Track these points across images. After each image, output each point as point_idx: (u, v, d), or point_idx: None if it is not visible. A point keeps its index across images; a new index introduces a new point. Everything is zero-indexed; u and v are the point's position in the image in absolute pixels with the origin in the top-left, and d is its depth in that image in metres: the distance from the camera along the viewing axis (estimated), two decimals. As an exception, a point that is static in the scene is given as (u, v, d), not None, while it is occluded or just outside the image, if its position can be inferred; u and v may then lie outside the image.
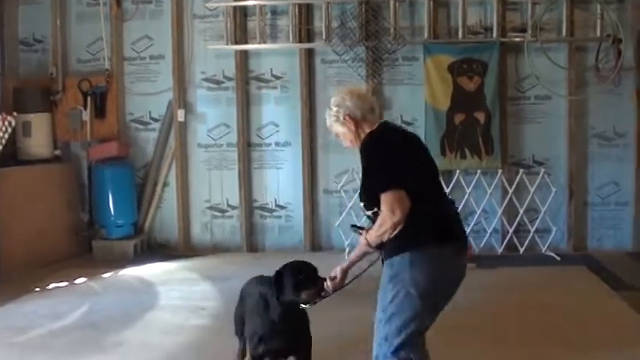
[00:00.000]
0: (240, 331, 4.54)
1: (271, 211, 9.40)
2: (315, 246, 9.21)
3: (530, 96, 9.09)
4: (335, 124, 3.69)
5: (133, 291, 7.23)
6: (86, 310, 6.53)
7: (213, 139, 9.44)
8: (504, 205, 8.68)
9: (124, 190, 9.14)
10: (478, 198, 8.92)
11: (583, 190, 8.81)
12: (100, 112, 9.13)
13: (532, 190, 8.58)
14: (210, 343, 5.70)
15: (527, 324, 6.10)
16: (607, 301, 6.77)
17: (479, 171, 8.81)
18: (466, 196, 8.56)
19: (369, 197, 3.48)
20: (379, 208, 3.37)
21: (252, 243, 9.34)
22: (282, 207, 9.40)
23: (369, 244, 3.53)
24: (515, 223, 8.76)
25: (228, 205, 9.51)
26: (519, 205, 8.61)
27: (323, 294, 3.80)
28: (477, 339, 5.60)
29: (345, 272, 3.74)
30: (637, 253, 8.81)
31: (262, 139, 9.36)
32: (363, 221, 4.41)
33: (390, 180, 3.37)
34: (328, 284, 3.75)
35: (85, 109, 9.37)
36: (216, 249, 9.47)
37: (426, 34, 9.04)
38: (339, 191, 9.01)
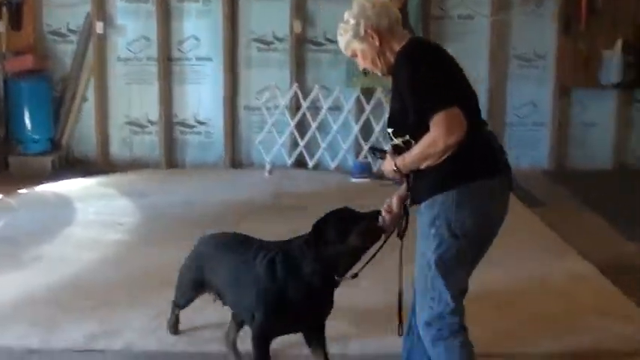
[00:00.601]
0: (185, 299, 4.08)
1: (191, 127, 9.76)
2: (236, 163, 9.73)
3: (453, 15, 9.62)
4: (352, 42, 3.13)
5: (50, 207, 7.51)
6: (2, 226, 6.78)
7: (132, 52, 9.71)
8: None
9: (41, 105, 9.26)
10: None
11: (502, 110, 9.04)
12: (15, 23, 9.10)
13: None
14: (127, 257, 5.88)
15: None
16: (522, 217, 7.01)
17: None
18: (386, 115, 8.51)
19: (404, 121, 2.98)
20: (416, 135, 2.95)
21: (171, 159, 9.78)
22: (202, 123, 9.80)
23: (397, 171, 3.04)
24: None
25: (148, 121, 9.82)
26: None
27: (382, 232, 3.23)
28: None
29: (402, 201, 3.19)
30: (552, 171, 9.50)
31: (183, 53, 9.68)
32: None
33: (445, 97, 2.88)
34: (385, 217, 3.22)
35: (0, 19, 8.70)
36: (135, 165, 9.76)
37: None
38: (261, 108, 9.27)
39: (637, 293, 4.94)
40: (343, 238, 3.20)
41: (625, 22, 9.46)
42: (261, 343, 3.40)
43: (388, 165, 3.08)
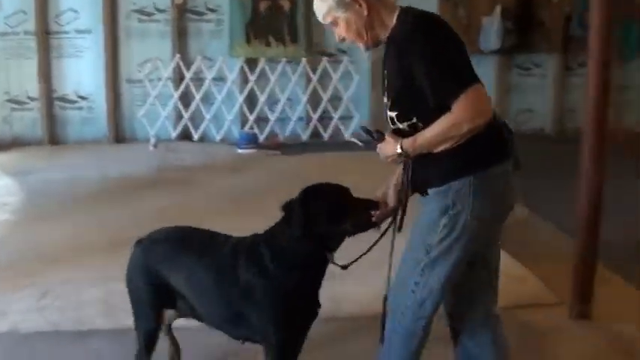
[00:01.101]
0: (152, 321, 3.24)
1: (72, 102, 10.03)
2: (119, 137, 10.07)
3: None
4: (335, 9, 2.76)
5: None
6: None
7: (10, 26, 9.82)
8: (308, 93, 9.07)
9: None
10: (283, 86, 9.96)
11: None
12: None
13: (336, 78, 8.87)
14: (13, 237, 5.88)
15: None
16: None
17: (283, 59, 9.57)
18: (271, 85, 9.08)
19: (411, 103, 2.70)
20: (427, 118, 2.66)
21: (53, 136, 10.02)
22: (83, 98, 10.07)
23: (402, 154, 2.74)
24: (320, 111, 9.41)
25: (28, 97, 9.98)
26: (323, 93, 8.93)
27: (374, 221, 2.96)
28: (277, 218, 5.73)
29: (396, 188, 2.94)
30: None
31: (61, 26, 9.86)
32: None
33: (470, 74, 2.61)
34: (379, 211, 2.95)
35: None
36: (16, 142, 9.88)
37: None
38: (143, 80, 9.39)
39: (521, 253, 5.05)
40: (336, 223, 2.92)
41: None
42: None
43: (390, 148, 2.77)
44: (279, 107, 9.78)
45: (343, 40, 2.86)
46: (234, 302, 2.97)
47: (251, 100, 9.70)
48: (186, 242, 3.20)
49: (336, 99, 9.89)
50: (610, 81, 4.15)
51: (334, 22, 2.81)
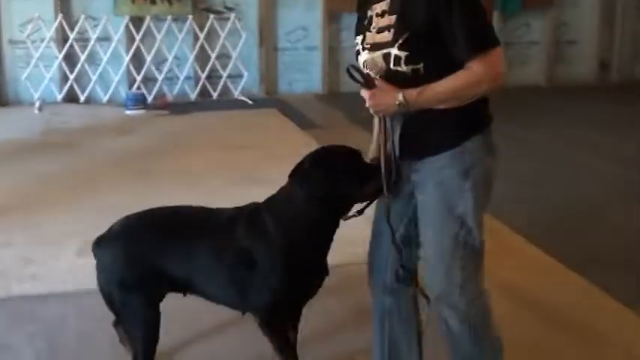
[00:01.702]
0: (152, 321, 2.91)
1: None
2: (3, 101, 9.80)
3: None
4: None
5: None
6: None
7: None
8: (196, 51, 9.27)
9: None
10: (170, 45, 9.90)
11: (273, 36, 9.34)
12: None
13: (223, 35, 8.98)
14: None
15: (220, 164, 6.82)
16: (295, 137, 7.43)
17: (169, 17, 9.76)
18: (157, 43, 9.38)
19: (426, 46, 2.50)
20: (432, 66, 2.51)
21: None
22: None
23: (401, 105, 2.51)
24: (208, 69, 9.95)
25: None
26: (211, 51, 9.13)
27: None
28: (184, 186, 5.77)
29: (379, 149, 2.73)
30: (324, 95, 10.07)
31: None
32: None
33: (494, 32, 2.51)
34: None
35: None
36: None
37: None
38: (25, 41, 8.92)
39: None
40: (352, 187, 2.71)
41: None
42: (279, 326, 2.87)
43: (388, 97, 2.52)
44: (166, 66, 9.72)
45: None
46: (238, 274, 2.81)
47: (138, 60, 9.61)
48: (174, 223, 2.96)
49: (224, 57, 9.90)
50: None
51: None
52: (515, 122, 8.07)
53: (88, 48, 9.48)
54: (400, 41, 2.49)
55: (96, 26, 9.46)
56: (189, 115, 9.01)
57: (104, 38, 9.54)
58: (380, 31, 2.59)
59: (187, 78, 9.90)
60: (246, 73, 9.88)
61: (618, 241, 5.02)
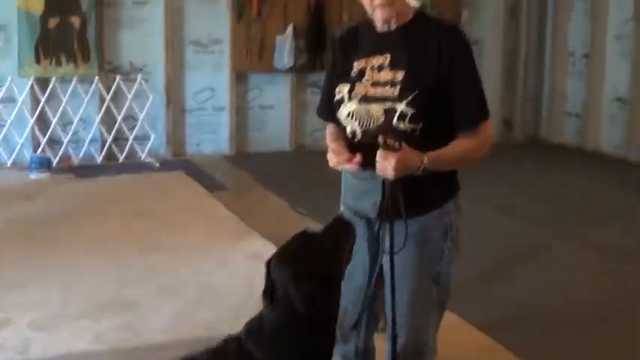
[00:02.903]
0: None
1: None
2: None
3: (126, 1, 10.20)
4: None
5: None
6: None
7: None
8: (102, 113, 9.45)
9: None
10: (75, 107, 9.94)
11: (180, 97, 9.68)
12: None
13: (130, 97, 9.13)
14: None
15: (126, 230, 6.84)
16: (202, 201, 7.58)
17: (75, 78, 9.80)
18: (62, 105, 9.51)
19: (431, 106, 2.68)
20: (430, 128, 2.68)
21: None
22: None
23: (426, 167, 2.62)
24: (114, 132, 9.97)
25: None
26: (117, 113, 9.47)
27: None
28: (86, 255, 5.81)
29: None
30: (233, 156, 10.74)
31: None
32: None
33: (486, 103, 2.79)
34: None
35: None
36: None
37: None
38: None
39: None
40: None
41: (296, 8, 10.51)
42: None
43: (415, 159, 2.61)
44: (71, 129, 9.69)
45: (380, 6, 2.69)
46: None
47: (43, 122, 9.61)
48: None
49: (130, 119, 9.99)
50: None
51: None
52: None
53: (-8, 109, 9.44)
54: (409, 98, 2.64)
55: (0, 87, 9.41)
56: (95, 179, 9.04)
57: (8, 100, 9.53)
58: (377, 84, 2.74)
59: (93, 140, 9.93)
60: (153, 135, 9.99)
61: (520, 298, 5.27)
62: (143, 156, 10.02)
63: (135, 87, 9.91)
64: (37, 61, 9.58)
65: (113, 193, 8.41)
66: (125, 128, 9.97)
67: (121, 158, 9.98)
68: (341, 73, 2.87)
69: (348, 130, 2.82)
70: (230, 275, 5.55)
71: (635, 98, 10.45)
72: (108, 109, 9.90)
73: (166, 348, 4.16)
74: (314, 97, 10.90)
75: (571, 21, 11.66)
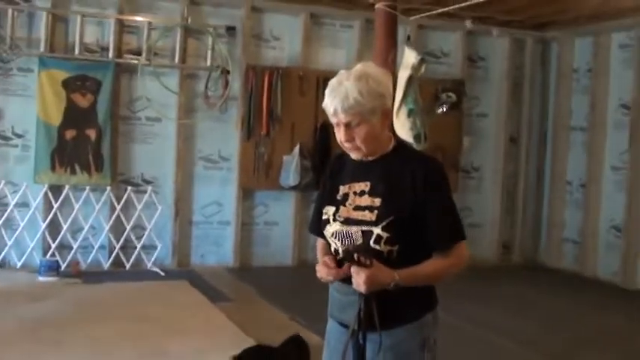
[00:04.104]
0: None
1: None
2: None
3: (141, 117, 10.77)
4: (368, 114, 2.89)
5: None
6: None
7: None
8: (112, 221, 10.14)
9: None
10: (87, 214, 10.38)
11: (188, 209, 10.18)
12: None
13: (139, 207, 9.53)
14: None
15: (128, 335, 7.03)
16: (204, 311, 7.67)
17: (88, 187, 10.30)
18: (74, 212, 9.82)
19: (407, 231, 2.93)
20: (407, 250, 2.94)
21: None
22: None
23: (398, 283, 2.85)
24: (122, 240, 10.53)
25: None
26: (126, 222, 9.98)
27: None
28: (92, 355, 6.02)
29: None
30: (236, 268, 10.95)
31: None
32: None
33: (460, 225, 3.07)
34: None
35: None
36: None
37: (42, 47, 10.15)
38: None
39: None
40: None
41: (303, 129, 10.99)
42: None
43: (385, 275, 2.84)
44: (81, 235, 10.12)
45: (348, 141, 2.94)
46: None
47: (54, 227, 10.03)
48: None
49: (139, 228, 10.42)
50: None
51: (358, 123, 2.89)
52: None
53: (6, 213, 9.87)
54: (384, 223, 2.89)
55: (15, 192, 9.88)
56: (102, 285, 9.34)
57: (22, 204, 9.96)
58: (358, 208, 2.98)
59: (101, 247, 10.32)
60: (159, 245, 10.38)
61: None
62: (149, 264, 10.38)
63: (145, 198, 10.37)
64: (53, 169, 10.06)
65: (118, 298, 8.70)
66: (133, 237, 10.37)
67: (128, 266, 10.33)
68: (329, 196, 3.14)
69: (332, 247, 3.08)
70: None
71: (629, 227, 10.86)
72: (117, 217, 10.34)
73: None
74: (317, 215, 11.28)
75: (569, 151, 12.22)
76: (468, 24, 11.37)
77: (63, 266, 9.79)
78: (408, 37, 4.75)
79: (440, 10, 7.77)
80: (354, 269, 2.82)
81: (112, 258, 10.32)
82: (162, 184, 10.61)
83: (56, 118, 10.08)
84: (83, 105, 10.20)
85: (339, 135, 2.98)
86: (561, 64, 12.32)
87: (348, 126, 2.90)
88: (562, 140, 12.29)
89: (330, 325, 3.20)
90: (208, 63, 10.65)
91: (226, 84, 10.65)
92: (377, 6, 4.75)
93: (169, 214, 10.60)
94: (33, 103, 10.03)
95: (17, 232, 9.92)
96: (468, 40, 11.97)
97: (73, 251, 10.07)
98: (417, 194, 2.91)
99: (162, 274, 10.12)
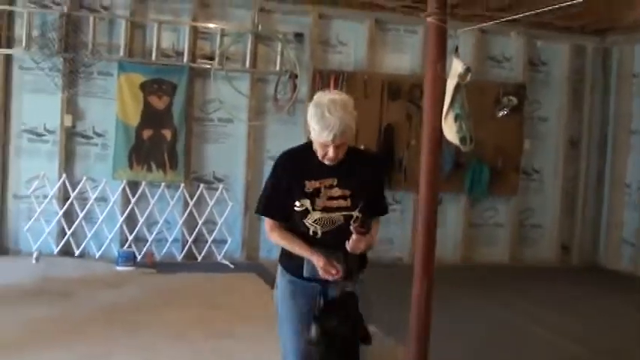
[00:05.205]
0: None
1: None
2: (3, 249, 10.66)
3: (214, 118, 11.29)
4: (348, 131, 3.81)
5: None
6: None
7: None
8: (185, 216, 10.82)
9: None
10: (161, 209, 10.97)
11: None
12: None
13: (211, 203, 10.23)
14: None
15: (198, 319, 7.58)
16: (268, 300, 8.05)
17: (163, 184, 10.80)
18: (150, 207, 10.82)
19: (367, 205, 3.99)
20: (365, 215, 3.97)
21: None
22: None
23: (369, 247, 3.99)
24: (195, 234, 11.04)
25: None
26: (199, 217, 10.54)
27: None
28: (165, 337, 6.84)
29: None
30: None
31: None
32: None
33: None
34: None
35: None
36: None
37: (121, 52, 10.74)
38: (30, 197, 10.33)
39: None
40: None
41: (368, 131, 11.25)
42: None
43: (372, 241, 3.99)
44: (156, 228, 10.77)
45: (334, 157, 3.83)
46: None
47: (131, 221, 10.69)
48: None
49: (210, 223, 10.98)
50: (435, 219, 5.25)
51: (343, 142, 3.80)
52: (477, 296, 8.96)
53: (87, 207, 10.51)
54: (359, 207, 3.93)
55: (95, 187, 10.55)
56: (175, 275, 9.91)
57: (102, 199, 10.61)
58: (331, 199, 3.92)
59: (175, 240, 10.92)
60: (230, 239, 10.93)
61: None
62: (219, 257, 10.92)
63: (216, 195, 10.93)
64: (130, 166, 10.67)
65: (190, 287, 9.28)
66: (205, 231, 10.94)
67: (199, 258, 10.90)
68: (297, 190, 3.94)
69: (311, 230, 3.94)
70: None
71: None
72: (190, 213, 10.91)
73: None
74: (380, 213, 11.63)
75: (629, 154, 12.40)
76: (514, 35, 11.74)
77: (139, 257, 10.37)
78: (456, 49, 5.11)
79: (498, 21, 8.08)
80: (355, 237, 3.84)
81: (184, 251, 10.88)
82: (233, 181, 11.13)
83: (134, 119, 10.67)
84: (159, 107, 10.80)
85: (329, 152, 3.83)
86: (621, 69, 12.54)
87: (337, 146, 3.79)
88: (622, 143, 12.48)
89: (293, 284, 4.17)
90: (277, 67, 11.11)
91: (294, 87, 11.11)
92: (428, 20, 5.12)
93: (239, 210, 11.09)
94: (112, 104, 10.63)
95: (97, 225, 10.54)
96: (529, 45, 12.24)
97: (148, 243, 10.66)
98: (373, 183, 4.06)
99: (232, 266, 10.61)
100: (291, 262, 4.15)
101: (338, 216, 3.90)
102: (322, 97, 3.89)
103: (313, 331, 3.78)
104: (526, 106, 12.20)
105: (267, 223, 4.21)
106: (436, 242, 5.22)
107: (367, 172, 4.01)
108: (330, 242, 3.90)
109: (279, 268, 4.35)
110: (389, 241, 11.69)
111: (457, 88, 5.02)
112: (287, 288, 4.20)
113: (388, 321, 6.82)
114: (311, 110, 3.89)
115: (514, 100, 11.93)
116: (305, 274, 3.99)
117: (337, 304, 3.86)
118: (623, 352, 7.56)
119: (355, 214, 3.90)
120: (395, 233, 11.74)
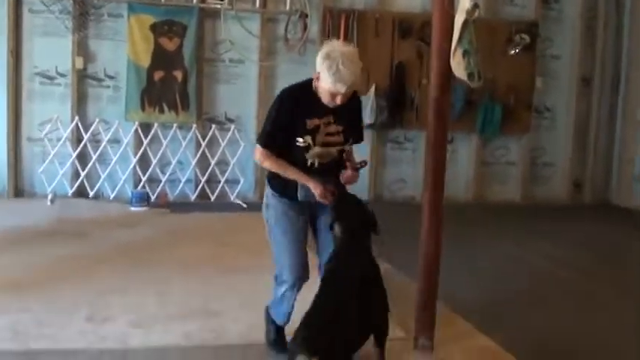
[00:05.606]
0: None
1: None
2: (19, 192, 10.82)
3: (225, 59, 11.31)
4: (357, 82, 4.22)
5: None
6: None
7: None
8: (197, 157, 10.92)
9: None
10: (174, 150, 11.06)
11: None
12: None
13: (223, 144, 10.31)
14: None
15: (211, 255, 7.79)
16: None
17: (175, 125, 10.90)
18: (163, 148, 10.94)
19: (352, 140, 4.53)
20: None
21: None
22: None
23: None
24: (207, 174, 11.11)
25: None
26: (211, 158, 10.67)
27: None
28: (178, 272, 6.99)
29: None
30: None
31: None
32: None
33: None
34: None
35: None
36: None
37: None
38: (43, 139, 10.22)
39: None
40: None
41: (379, 70, 11.35)
42: None
43: (356, 173, 4.49)
44: (169, 169, 10.85)
45: (342, 103, 4.21)
46: None
47: (144, 162, 10.79)
48: None
49: (223, 163, 11.05)
50: (444, 157, 5.27)
51: (348, 92, 4.17)
52: (489, 233, 9.05)
53: (100, 149, 10.62)
54: (350, 142, 4.49)
55: (108, 129, 10.62)
56: (188, 215, 10.02)
57: (115, 141, 10.70)
58: (329, 135, 4.34)
59: (188, 181, 11.01)
60: (242, 180, 11.00)
61: (564, 335, 5.86)
62: (232, 197, 11.03)
63: (228, 135, 11.01)
64: (142, 108, 10.73)
65: (203, 226, 9.40)
66: (217, 172, 11.00)
67: (212, 198, 11.00)
68: (300, 127, 4.29)
69: (310, 162, 4.33)
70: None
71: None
72: (203, 153, 10.98)
73: (243, 349, 5.20)
74: (393, 153, 11.75)
75: (642, 91, 12.51)
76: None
77: (152, 198, 10.49)
78: (465, -15, 5.11)
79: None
80: (352, 173, 4.42)
81: (197, 191, 10.99)
82: (245, 122, 11.17)
83: (145, 60, 10.69)
84: (170, 48, 10.80)
85: (337, 100, 4.18)
86: (635, 6, 12.42)
87: (345, 94, 4.14)
88: (635, 80, 12.41)
89: (286, 204, 4.49)
90: (288, 7, 11.05)
91: (305, 27, 11.06)
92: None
93: (252, 151, 10.91)
94: (123, 46, 10.65)
95: (110, 167, 10.64)
96: (541, -18, 12.19)
97: (161, 184, 10.76)
98: (356, 117, 4.55)
99: (245, 206, 10.70)
100: (284, 187, 4.50)
101: (334, 150, 4.37)
102: (333, 48, 4.14)
103: (336, 227, 4.18)
104: (538, 44, 12.13)
105: (260, 151, 4.46)
106: (446, 180, 5.25)
107: (352, 109, 4.46)
108: (323, 171, 4.35)
109: (269, 191, 4.62)
110: (401, 180, 11.83)
111: (465, 24, 5.02)
112: (280, 207, 4.54)
113: (400, 258, 6.95)
114: (323, 62, 4.10)
115: (526, 38, 11.89)
116: (299, 197, 4.42)
117: (340, 198, 4.33)
118: (633, 287, 7.57)
119: (347, 148, 4.48)
120: (407, 172, 11.82)
